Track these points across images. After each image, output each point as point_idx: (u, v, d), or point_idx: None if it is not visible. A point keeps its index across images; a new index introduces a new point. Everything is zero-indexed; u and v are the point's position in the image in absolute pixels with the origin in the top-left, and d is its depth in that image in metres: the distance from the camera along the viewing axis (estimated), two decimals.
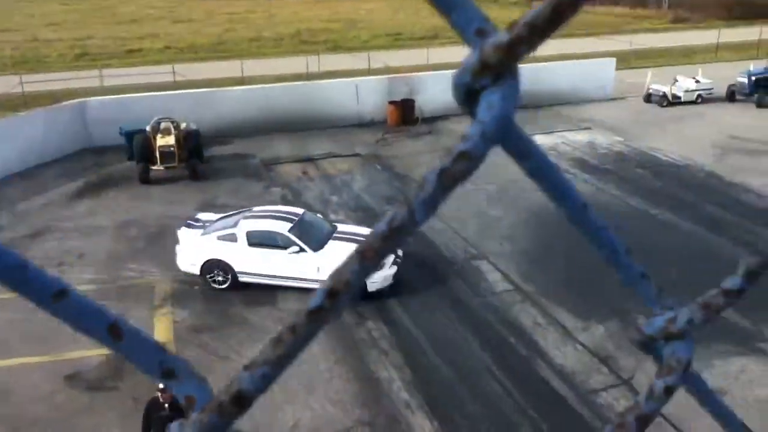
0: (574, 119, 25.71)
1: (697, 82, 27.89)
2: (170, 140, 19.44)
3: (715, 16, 55.06)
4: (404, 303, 12.68)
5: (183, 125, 20.49)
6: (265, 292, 13.03)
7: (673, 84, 27.62)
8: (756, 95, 26.82)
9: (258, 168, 20.82)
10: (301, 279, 12.82)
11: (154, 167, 19.39)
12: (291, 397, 10.04)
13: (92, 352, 10.82)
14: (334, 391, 10.33)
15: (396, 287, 12.77)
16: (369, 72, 30.81)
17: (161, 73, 32.18)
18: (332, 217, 16.88)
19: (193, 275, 13.33)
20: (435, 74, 26.45)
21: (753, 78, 26.92)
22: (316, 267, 12.69)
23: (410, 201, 0.45)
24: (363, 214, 17.02)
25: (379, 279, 12.29)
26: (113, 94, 24.94)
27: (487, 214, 16.77)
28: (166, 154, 19.33)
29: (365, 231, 13.59)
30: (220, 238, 13.28)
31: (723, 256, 14.14)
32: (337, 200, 18.16)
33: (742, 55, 37.86)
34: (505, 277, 13.60)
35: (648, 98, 28.05)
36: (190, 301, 12.92)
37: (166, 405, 8.29)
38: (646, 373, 10.45)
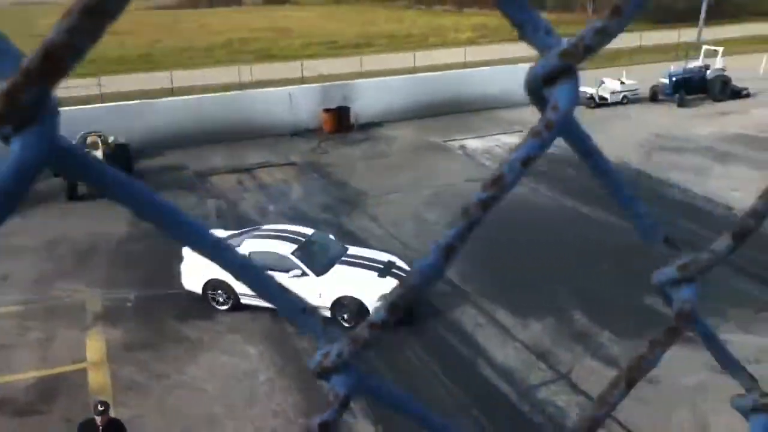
0: (507, 122, 26.21)
1: (623, 83, 28.87)
2: (98, 155, 18.89)
3: (637, 19, 57.09)
4: None
5: (111, 139, 19.95)
6: (200, 306, 12.74)
7: (600, 86, 28.50)
8: (677, 95, 27.97)
9: (192, 180, 20.41)
10: None
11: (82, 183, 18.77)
12: (231, 411, 9.83)
13: (19, 376, 10.35)
14: (275, 402, 10.17)
15: None
16: (302, 80, 30.68)
17: (87, 86, 31.22)
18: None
19: (197, 294, 12.80)
20: (369, 81, 26.54)
21: (674, 79, 28.07)
22: (317, 293, 11.96)
23: (503, 181, 0.51)
24: (301, 223, 16.86)
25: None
26: None
27: (424, 218, 16.89)
28: None
29: (378, 254, 13.19)
30: None
31: (654, 250, 14.62)
32: (273, 209, 17.96)
33: (664, 57, 39.44)
34: (444, 279, 13.69)
35: None
36: (123, 318, 12.51)
37: (101, 427, 7.99)
38: (583, 367, 10.69)
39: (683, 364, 10.08)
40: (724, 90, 28.64)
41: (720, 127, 23.18)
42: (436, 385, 10.43)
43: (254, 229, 13.73)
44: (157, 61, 42.96)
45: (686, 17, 48.53)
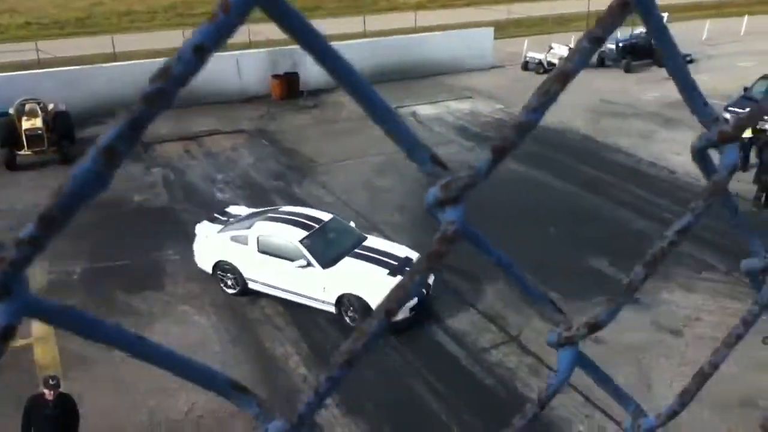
0: (456, 88, 26.22)
1: (571, 49, 29.14)
2: (37, 123, 18.21)
3: None
4: None
5: (51, 106, 19.23)
6: (149, 278, 12.53)
7: (549, 52, 28.69)
8: (623, 61, 28.40)
9: (136, 148, 19.86)
10: (308, 297, 11.37)
11: (21, 152, 18.12)
12: (183, 383, 9.69)
13: None
14: (229, 373, 10.10)
15: None
16: (250, 45, 29.99)
17: (23, 50, 29.94)
18: (218, 196, 16.44)
19: (207, 274, 12.36)
20: None
21: (620, 45, 28.43)
22: (322, 286, 11.12)
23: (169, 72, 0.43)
24: (250, 191, 16.66)
25: (405, 308, 11.59)
26: None
27: (376, 186, 16.86)
28: (34, 138, 18.09)
29: (397, 249, 11.88)
30: (233, 238, 11.96)
31: (601, 213, 15.03)
32: (222, 178, 17.67)
33: None
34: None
35: (525, 66, 29.00)
36: (69, 291, 12.21)
37: (51, 402, 7.83)
38: (533, 330, 10.94)
39: (627, 324, 10.42)
40: None
41: (665, 92, 23.62)
42: (389, 351, 10.53)
43: (270, 210, 12.93)
44: (97, 24, 41.38)
45: None
